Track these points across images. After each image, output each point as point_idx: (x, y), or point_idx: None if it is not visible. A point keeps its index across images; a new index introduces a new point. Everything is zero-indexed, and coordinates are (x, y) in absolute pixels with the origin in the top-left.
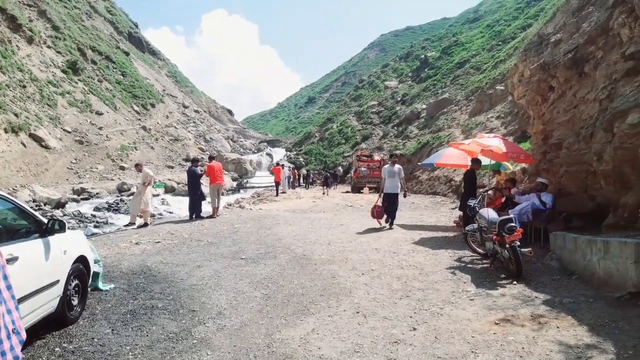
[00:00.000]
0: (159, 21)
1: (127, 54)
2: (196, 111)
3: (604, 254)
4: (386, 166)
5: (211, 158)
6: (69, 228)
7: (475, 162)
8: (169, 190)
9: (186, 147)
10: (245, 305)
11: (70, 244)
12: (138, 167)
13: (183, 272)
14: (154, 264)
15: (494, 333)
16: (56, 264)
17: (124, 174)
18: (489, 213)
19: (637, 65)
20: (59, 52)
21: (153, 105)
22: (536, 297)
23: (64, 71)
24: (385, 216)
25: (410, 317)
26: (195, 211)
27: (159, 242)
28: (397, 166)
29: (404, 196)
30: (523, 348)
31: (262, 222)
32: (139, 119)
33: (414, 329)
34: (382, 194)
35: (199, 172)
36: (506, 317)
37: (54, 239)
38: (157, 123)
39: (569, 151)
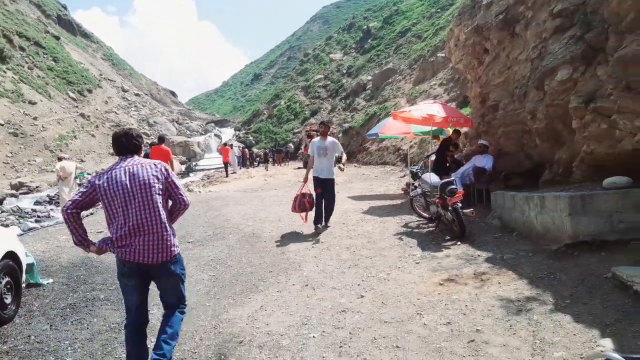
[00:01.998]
0: (88, 1)
1: (57, 38)
2: (137, 95)
3: (541, 209)
4: (315, 139)
5: (161, 139)
6: (5, 225)
7: (457, 132)
8: None
9: None
10: (192, 289)
11: None
12: (59, 160)
13: None
14: (95, 255)
15: (439, 294)
16: None
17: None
18: (431, 177)
19: (564, 22)
20: None
21: (90, 91)
22: (479, 255)
23: None
24: (313, 211)
25: (358, 285)
26: None
27: (100, 232)
28: (330, 139)
29: (341, 169)
30: (466, 306)
31: (210, 204)
32: (76, 106)
33: (362, 296)
34: (314, 179)
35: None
36: (450, 277)
37: None
38: (96, 109)
39: (505, 112)
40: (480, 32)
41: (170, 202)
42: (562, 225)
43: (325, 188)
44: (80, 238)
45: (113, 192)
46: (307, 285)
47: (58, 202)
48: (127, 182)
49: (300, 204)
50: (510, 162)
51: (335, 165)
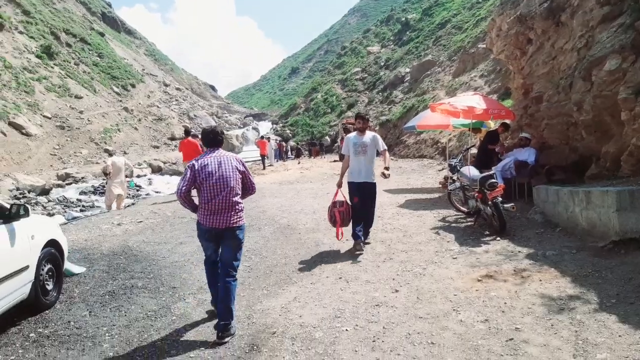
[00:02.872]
0: None
1: (102, 34)
2: (178, 89)
3: (587, 204)
4: (350, 135)
5: (187, 133)
6: (52, 214)
7: (505, 125)
8: (156, 170)
9: (170, 125)
10: None
11: (37, 229)
12: (110, 155)
13: (165, 250)
14: (135, 244)
15: (477, 290)
16: (24, 249)
17: (109, 157)
18: (471, 171)
19: (613, 10)
20: (31, 37)
21: (133, 86)
22: (519, 251)
23: (38, 56)
24: (351, 223)
25: (393, 279)
26: None
27: (141, 221)
28: (369, 134)
29: (385, 176)
30: (505, 303)
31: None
32: (120, 101)
33: (396, 290)
34: (348, 184)
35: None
36: (489, 274)
37: (19, 225)
38: (139, 103)
39: (549, 104)
40: (524, 21)
41: (243, 187)
42: (609, 222)
43: (364, 195)
44: (194, 208)
45: (205, 174)
46: (340, 278)
47: (102, 192)
48: (215, 168)
49: (331, 216)
50: (554, 155)
51: (373, 168)
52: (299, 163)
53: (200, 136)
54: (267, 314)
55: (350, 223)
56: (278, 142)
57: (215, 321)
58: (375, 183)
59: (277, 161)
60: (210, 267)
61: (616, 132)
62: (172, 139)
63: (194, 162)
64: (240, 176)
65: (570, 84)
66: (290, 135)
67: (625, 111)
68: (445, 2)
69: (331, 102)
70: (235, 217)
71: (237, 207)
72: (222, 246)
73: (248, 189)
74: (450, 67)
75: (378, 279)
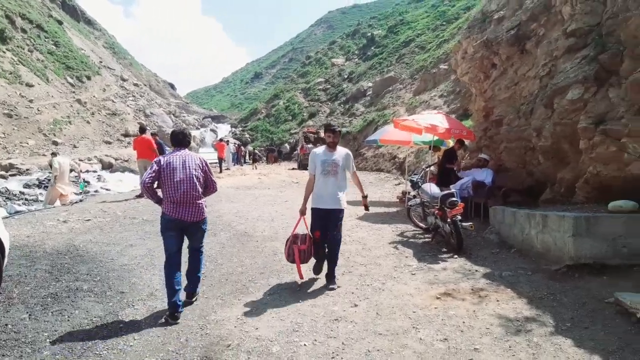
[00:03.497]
0: None
1: (60, 22)
2: (135, 84)
3: (543, 227)
4: (318, 150)
5: (142, 130)
6: None
7: (461, 142)
8: (106, 166)
9: (125, 121)
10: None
11: None
12: (53, 155)
13: (114, 252)
14: (82, 243)
15: (435, 308)
16: None
17: (57, 150)
18: (432, 188)
19: (577, 42)
20: None
21: (89, 78)
22: (476, 270)
23: None
24: (314, 259)
25: (352, 293)
26: None
27: (89, 220)
28: (342, 150)
29: (367, 209)
30: (464, 322)
31: None
32: (74, 92)
33: (356, 305)
34: (312, 211)
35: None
36: (447, 291)
37: None
38: (94, 96)
39: (509, 127)
40: (490, 46)
41: (205, 185)
42: (564, 246)
43: (329, 224)
44: (158, 200)
45: (170, 170)
46: (299, 290)
47: (47, 186)
48: (179, 166)
49: (289, 253)
50: (511, 178)
51: (344, 192)
52: (255, 168)
53: (159, 135)
54: (222, 325)
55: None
56: (237, 145)
57: (166, 328)
58: (343, 210)
59: (234, 165)
60: (171, 265)
61: (573, 160)
62: (126, 135)
63: (160, 158)
64: (203, 175)
65: (531, 110)
66: (249, 139)
67: (584, 140)
68: (411, 21)
69: (293, 109)
70: (199, 212)
71: (200, 203)
72: (189, 237)
73: (209, 187)
74: (411, 84)
75: (337, 292)
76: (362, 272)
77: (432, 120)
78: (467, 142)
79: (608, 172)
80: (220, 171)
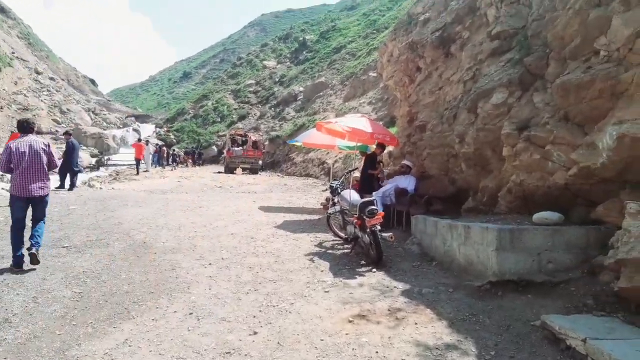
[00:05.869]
0: None
1: None
2: (51, 78)
3: (465, 239)
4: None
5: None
6: None
7: (380, 146)
8: None
9: (38, 117)
10: (45, 309)
11: None
12: None
13: None
14: None
15: (347, 334)
16: None
17: None
18: (351, 195)
19: (502, 45)
20: None
21: None
22: (395, 287)
23: None
24: None
25: (254, 316)
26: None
27: None
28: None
29: None
30: (377, 352)
31: (106, 203)
32: None
33: (255, 332)
34: None
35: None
36: (362, 313)
37: None
38: (3, 89)
39: (432, 133)
40: (415, 48)
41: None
42: (487, 261)
43: None
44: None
45: (19, 154)
46: (191, 313)
47: None
48: (27, 150)
49: None
50: (433, 185)
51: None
52: (172, 170)
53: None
54: None
55: None
56: (158, 146)
57: None
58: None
59: (154, 167)
60: (17, 230)
61: (495, 168)
62: (39, 132)
63: (10, 144)
64: (46, 156)
65: (455, 115)
66: (174, 141)
67: (507, 146)
68: (342, 28)
69: (222, 111)
70: (45, 187)
71: (45, 179)
72: (34, 209)
73: (51, 165)
74: (341, 91)
75: (236, 315)
76: (269, 290)
77: (356, 124)
78: (391, 148)
79: (532, 181)
80: (137, 173)
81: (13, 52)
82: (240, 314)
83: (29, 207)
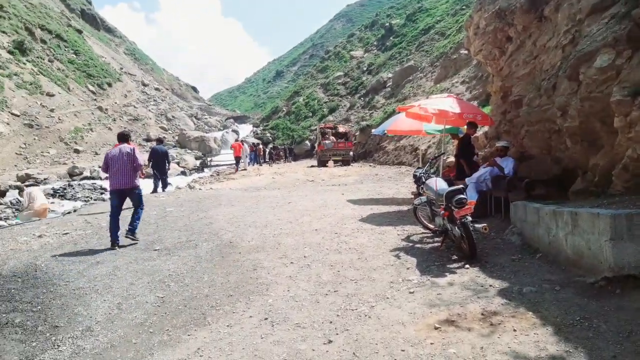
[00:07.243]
0: None
1: (79, 32)
2: (157, 89)
3: (573, 228)
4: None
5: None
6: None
7: (471, 125)
8: None
9: (147, 126)
10: (127, 316)
11: None
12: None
13: (74, 272)
14: (44, 262)
15: (432, 343)
16: None
17: (78, 157)
18: (437, 183)
19: (604, 0)
20: (3, 32)
21: (110, 85)
22: (490, 285)
23: (10, 52)
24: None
25: (331, 322)
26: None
27: (67, 233)
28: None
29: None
30: None
31: (201, 203)
32: (95, 99)
33: (330, 341)
34: None
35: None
36: (450, 318)
37: None
38: (115, 103)
39: (530, 108)
40: (503, 16)
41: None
42: (601, 253)
43: None
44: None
45: (112, 158)
46: (266, 318)
47: (62, 195)
48: (117, 154)
49: None
50: (535, 167)
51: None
52: (270, 166)
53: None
54: None
55: None
56: (254, 145)
57: None
58: None
59: (252, 165)
60: (113, 216)
61: (606, 142)
62: (148, 140)
63: (107, 152)
64: (130, 158)
65: (554, 86)
66: (270, 138)
67: (619, 116)
68: (429, 8)
69: (313, 106)
70: (133, 181)
71: (130, 175)
72: (130, 199)
73: (135, 165)
74: (432, 73)
75: (312, 321)
76: (350, 292)
77: (441, 105)
78: (485, 127)
79: None
80: (236, 171)
81: (122, 68)
82: (317, 319)
83: (122, 198)
